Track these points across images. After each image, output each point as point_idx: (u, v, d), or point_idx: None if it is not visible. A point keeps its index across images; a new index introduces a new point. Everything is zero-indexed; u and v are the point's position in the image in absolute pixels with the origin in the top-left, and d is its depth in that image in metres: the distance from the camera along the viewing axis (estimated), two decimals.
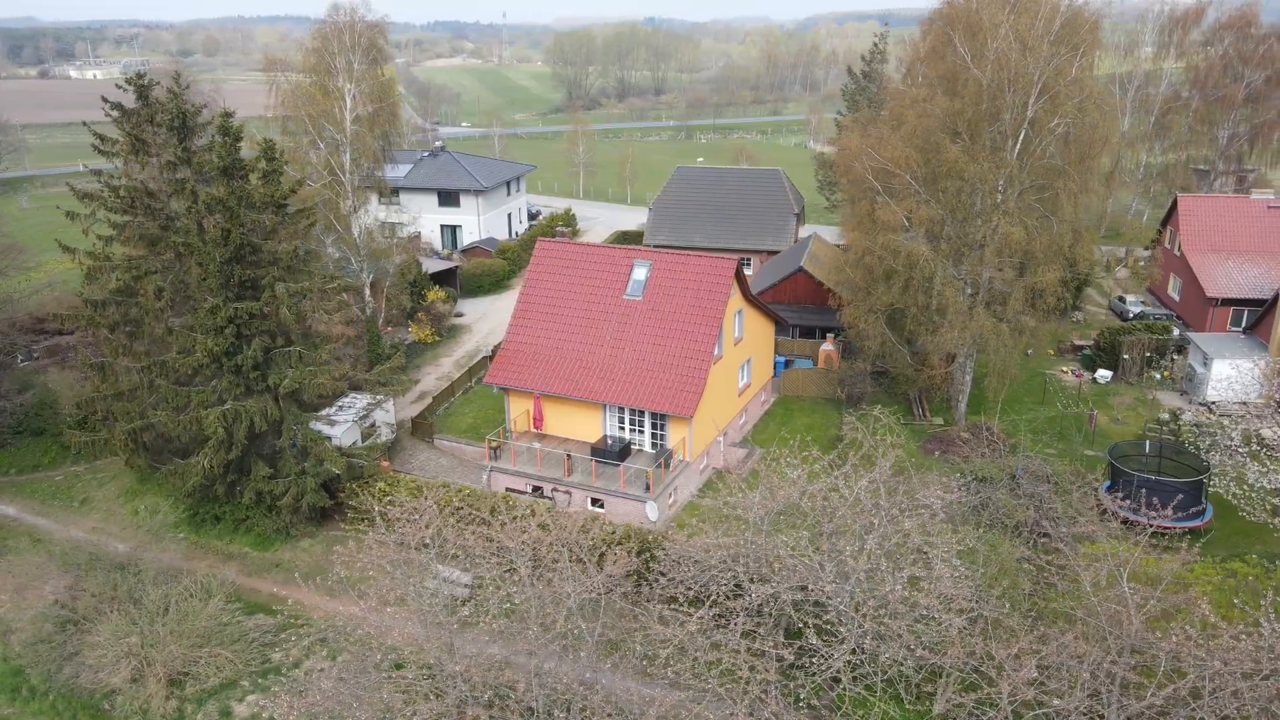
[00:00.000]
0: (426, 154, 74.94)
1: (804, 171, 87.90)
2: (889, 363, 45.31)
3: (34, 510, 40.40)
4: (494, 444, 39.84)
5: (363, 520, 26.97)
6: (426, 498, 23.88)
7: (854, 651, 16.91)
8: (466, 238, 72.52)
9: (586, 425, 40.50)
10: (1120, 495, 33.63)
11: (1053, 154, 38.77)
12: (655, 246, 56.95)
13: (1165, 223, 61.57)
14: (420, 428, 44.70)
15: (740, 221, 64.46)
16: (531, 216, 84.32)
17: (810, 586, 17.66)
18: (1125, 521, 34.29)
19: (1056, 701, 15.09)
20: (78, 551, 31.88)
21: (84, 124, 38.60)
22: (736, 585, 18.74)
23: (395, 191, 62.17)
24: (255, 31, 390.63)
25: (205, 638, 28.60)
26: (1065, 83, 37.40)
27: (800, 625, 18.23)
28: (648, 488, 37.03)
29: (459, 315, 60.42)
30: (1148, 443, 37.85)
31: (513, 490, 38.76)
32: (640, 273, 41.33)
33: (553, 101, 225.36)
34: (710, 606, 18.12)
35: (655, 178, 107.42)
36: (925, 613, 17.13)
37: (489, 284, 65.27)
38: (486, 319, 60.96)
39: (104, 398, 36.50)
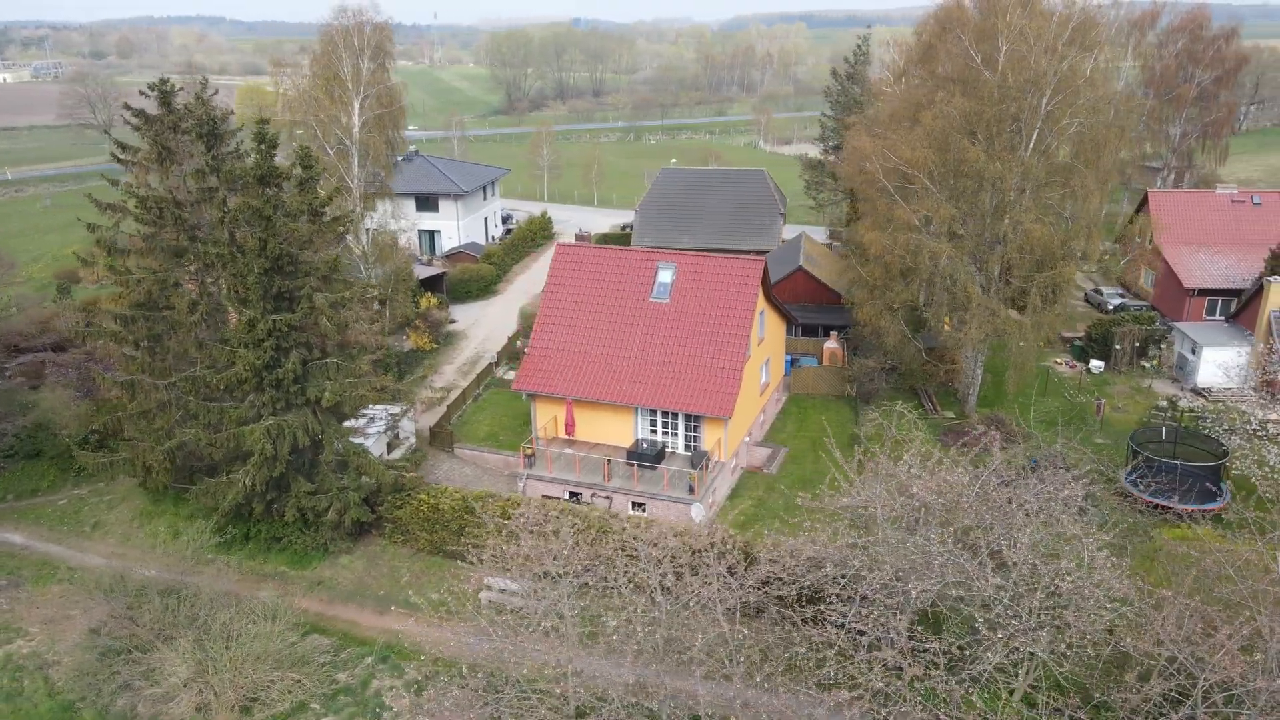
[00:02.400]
0: (400, 158, 73.46)
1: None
2: (901, 359, 46.22)
3: (43, 537, 38.55)
4: (528, 451, 39.41)
5: (484, 534, 26.25)
6: (552, 510, 23.40)
7: (1016, 649, 17.23)
8: (446, 243, 71.45)
9: (617, 429, 40.36)
10: (1152, 481, 35.16)
11: (1067, 152, 40.07)
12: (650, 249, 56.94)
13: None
14: (439, 437, 43.95)
15: (727, 222, 64.91)
16: (503, 220, 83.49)
17: (978, 583, 17.95)
18: (1152, 506, 35.85)
19: None
20: (125, 579, 30.48)
21: (106, 133, 36.91)
22: (882, 585, 18.90)
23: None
24: (170, 32, 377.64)
25: (278, 661, 27.70)
26: (1080, 82, 38.71)
27: (957, 622, 18.57)
28: (691, 489, 37.12)
29: (452, 322, 59.53)
30: (1164, 429, 39.45)
31: (549, 497, 38.42)
32: (665, 275, 41.38)
33: (491, 103, 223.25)
34: (867, 605, 18.29)
35: (618, 179, 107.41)
36: (1093, 604, 17.61)
37: (476, 290, 64.44)
38: (479, 325, 60.19)
39: (130, 416, 34.99)
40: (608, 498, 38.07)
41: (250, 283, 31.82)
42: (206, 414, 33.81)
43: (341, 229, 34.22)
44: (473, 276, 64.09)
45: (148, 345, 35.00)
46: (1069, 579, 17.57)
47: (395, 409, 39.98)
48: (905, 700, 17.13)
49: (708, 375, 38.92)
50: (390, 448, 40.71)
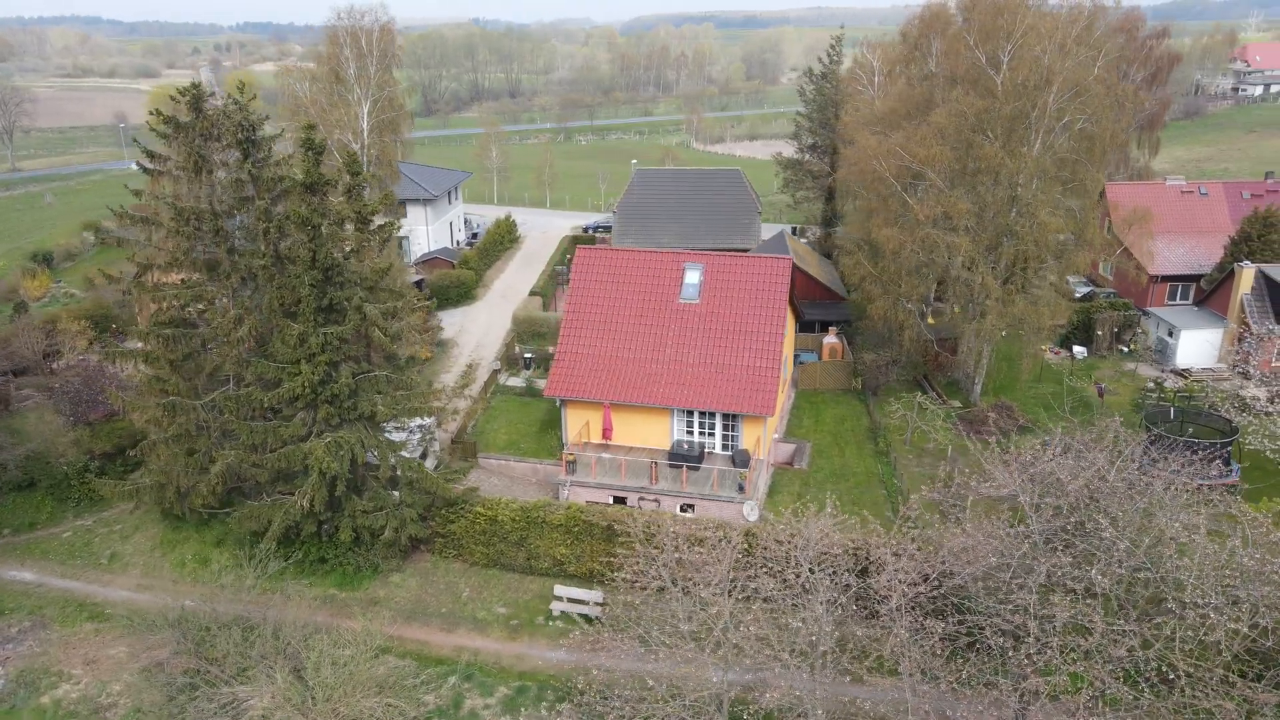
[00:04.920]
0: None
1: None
2: (912, 351, 47.38)
3: (55, 573, 36.05)
4: (570, 457, 38.89)
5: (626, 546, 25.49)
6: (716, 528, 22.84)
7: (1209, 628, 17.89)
8: (415, 249, 69.72)
9: (652, 432, 40.20)
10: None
11: (1073, 147, 41.82)
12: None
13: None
14: (462, 447, 42.93)
15: (707, 221, 65.30)
16: (465, 224, 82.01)
17: (1167, 564, 18.64)
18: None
19: None
20: (192, 612, 28.75)
21: (135, 141, 34.65)
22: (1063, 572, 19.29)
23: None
24: (49, 34, 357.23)
25: (380, 687, 26.62)
26: (1089, 79, 40.45)
27: (1141, 605, 19.19)
28: (741, 488, 37.28)
29: (440, 329, 58.19)
30: (1172, 409, 41.54)
31: (593, 503, 37.98)
32: (693, 276, 41.46)
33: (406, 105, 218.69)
34: (1057, 593, 18.72)
35: (567, 181, 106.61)
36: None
37: (456, 295, 63.11)
38: (467, 332, 59.01)
39: (165, 440, 33.05)
40: (655, 501, 37.90)
41: (303, 295, 30.51)
42: (250, 434, 32.25)
43: (387, 236, 33.11)
44: (453, 282, 62.76)
45: (178, 364, 33.15)
46: (1254, 555, 18.44)
47: (425, 420, 38.87)
48: (1104, 683, 17.70)
49: (746, 374, 39.15)
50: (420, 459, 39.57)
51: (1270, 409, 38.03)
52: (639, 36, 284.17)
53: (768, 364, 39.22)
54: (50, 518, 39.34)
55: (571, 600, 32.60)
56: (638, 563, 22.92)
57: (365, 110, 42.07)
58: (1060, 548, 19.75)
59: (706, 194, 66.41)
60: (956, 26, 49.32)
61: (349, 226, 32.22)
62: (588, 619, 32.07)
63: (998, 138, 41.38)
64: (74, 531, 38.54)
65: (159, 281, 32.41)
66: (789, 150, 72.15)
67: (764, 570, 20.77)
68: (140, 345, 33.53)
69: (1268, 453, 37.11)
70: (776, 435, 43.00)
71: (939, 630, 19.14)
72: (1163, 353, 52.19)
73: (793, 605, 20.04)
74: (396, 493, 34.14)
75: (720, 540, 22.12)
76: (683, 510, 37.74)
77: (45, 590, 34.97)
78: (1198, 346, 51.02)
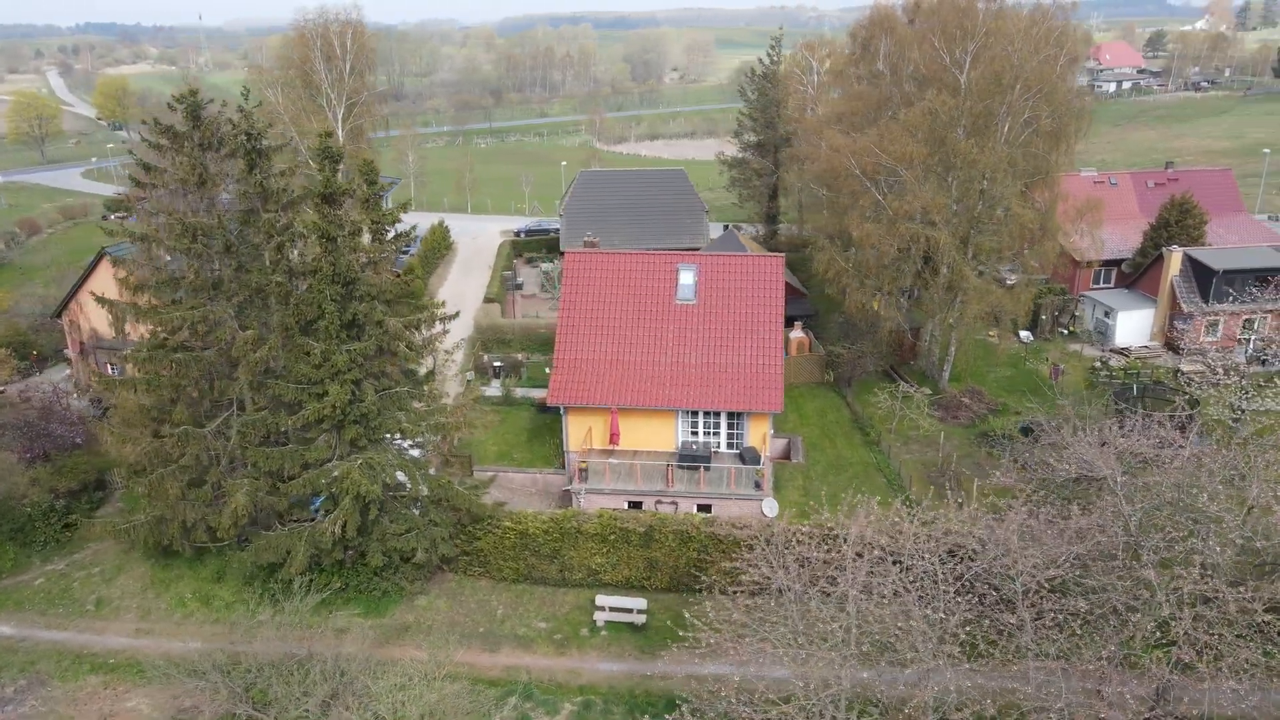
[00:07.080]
0: None
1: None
2: (886, 342, 48.83)
3: (38, 624, 33.05)
4: (583, 465, 38.29)
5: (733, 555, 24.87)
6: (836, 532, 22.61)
7: None
8: None
9: (657, 435, 40.02)
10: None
11: (1038, 143, 43.99)
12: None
13: None
14: (457, 460, 41.65)
15: (655, 221, 65.44)
16: None
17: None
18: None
19: None
20: (237, 656, 26.84)
21: (130, 152, 31.82)
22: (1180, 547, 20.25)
23: None
24: None
25: (456, 715, 25.54)
26: (1054, 78, 42.61)
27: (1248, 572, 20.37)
28: (758, 485, 37.58)
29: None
30: (1135, 386, 44.26)
31: (607, 509, 37.53)
32: (688, 277, 41.49)
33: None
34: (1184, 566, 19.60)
35: (482, 185, 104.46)
36: None
37: None
38: None
39: (173, 473, 30.71)
40: (673, 503, 37.77)
41: (327, 310, 29.00)
42: (267, 460, 30.43)
43: (401, 247, 31.79)
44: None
45: (183, 389, 30.96)
46: None
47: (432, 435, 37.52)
48: (1233, 646, 18.78)
49: (750, 372, 39.45)
50: None
51: (1227, 380, 40.97)
52: (521, 37, 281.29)
53: (771, 361, 39.64)
54: (15, 565, 36.05)
55: (614, 609, 32.18)
56: (757, 566, 22.77)
57: (340, 115, 40.18)
58: (1165, 524, 20.86)
59: (652, 195, 66.56)
60: (904, 28, 51.15)
61: (365, 237, 30.85)
62: (634, 627, 31.78)
63: (968, 134, 43.10)
64: (47, 578, 35.45)
65: (152, 303, 30.12)
66: (729, 149, 72.92)
67: (880, 564, 21.00)
68: (133, 370, 31.09)
69: (1229, 421, 39.97)
70: (770, 431, 43.47)
71: (1080, 610, 19.90)
72: (1103, 333, 55.48)
73: (918, 599, 20.38)
74: (417, 511, 32.90)
75: (843, 539, 22.21)
76: (700, 511, 37.76)
77: (32, 644, 32.02)
78: (1134, 326, 54.51)
